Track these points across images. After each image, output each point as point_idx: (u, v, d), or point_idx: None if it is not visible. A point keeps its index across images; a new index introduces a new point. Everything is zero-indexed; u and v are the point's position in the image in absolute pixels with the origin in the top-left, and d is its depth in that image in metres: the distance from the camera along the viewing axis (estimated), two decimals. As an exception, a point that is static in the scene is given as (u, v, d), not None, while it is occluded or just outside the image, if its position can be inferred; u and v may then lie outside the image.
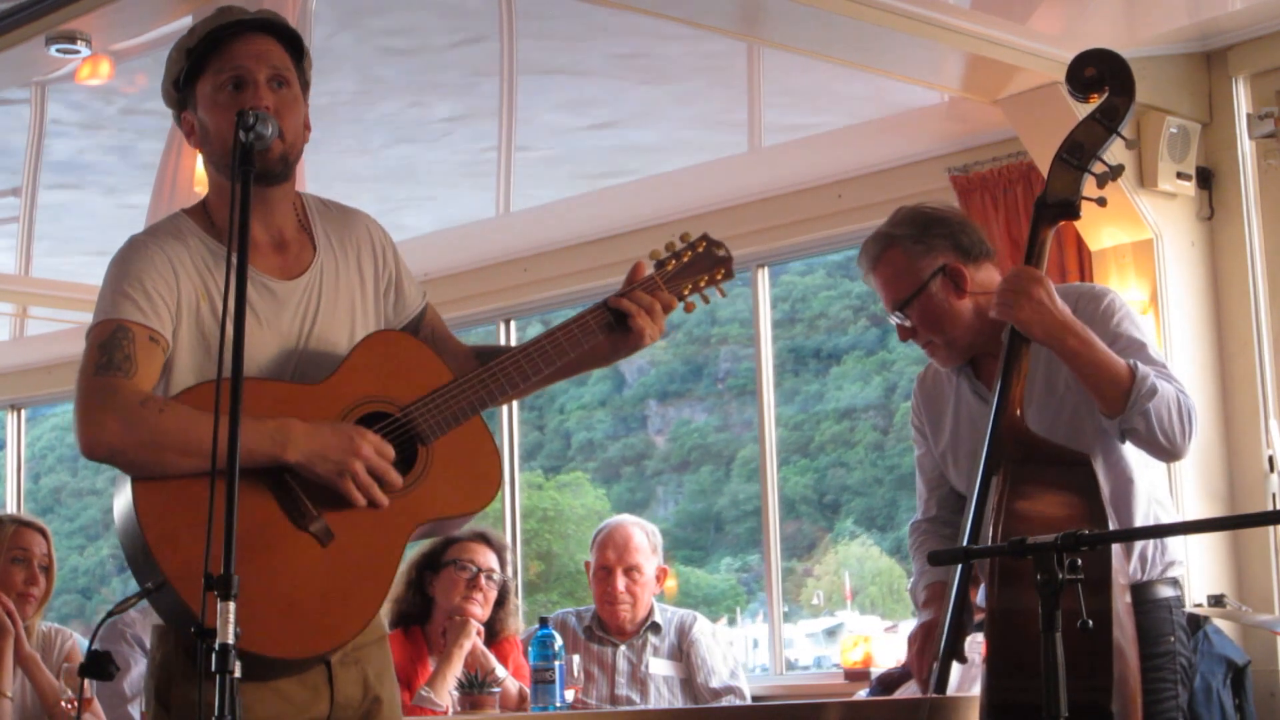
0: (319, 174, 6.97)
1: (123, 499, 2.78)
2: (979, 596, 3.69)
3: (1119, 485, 3.53)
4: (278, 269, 2.97)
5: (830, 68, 5.99)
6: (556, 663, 4.73)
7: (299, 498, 2.81)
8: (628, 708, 5.45)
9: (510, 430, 8.47)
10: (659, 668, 5.63)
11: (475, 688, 4.87)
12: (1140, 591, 3.52)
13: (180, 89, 2.99)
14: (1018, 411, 3.46)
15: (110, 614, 2.86)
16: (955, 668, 3.54)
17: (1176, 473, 5.69)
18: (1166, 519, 3.67)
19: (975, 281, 3.65)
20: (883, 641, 6.94)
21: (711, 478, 14.55)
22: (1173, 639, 3.57)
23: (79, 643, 5.46)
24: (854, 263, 3.83)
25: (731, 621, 13.45)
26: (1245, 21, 5.99)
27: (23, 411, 10.50)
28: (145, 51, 5.76)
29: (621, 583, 5.66)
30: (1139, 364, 3.43)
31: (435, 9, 5.87)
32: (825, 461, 13.91)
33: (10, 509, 10.12)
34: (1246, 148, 6.09)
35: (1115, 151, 3.68)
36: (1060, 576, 2.57)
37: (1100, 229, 6.05)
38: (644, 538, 5.76)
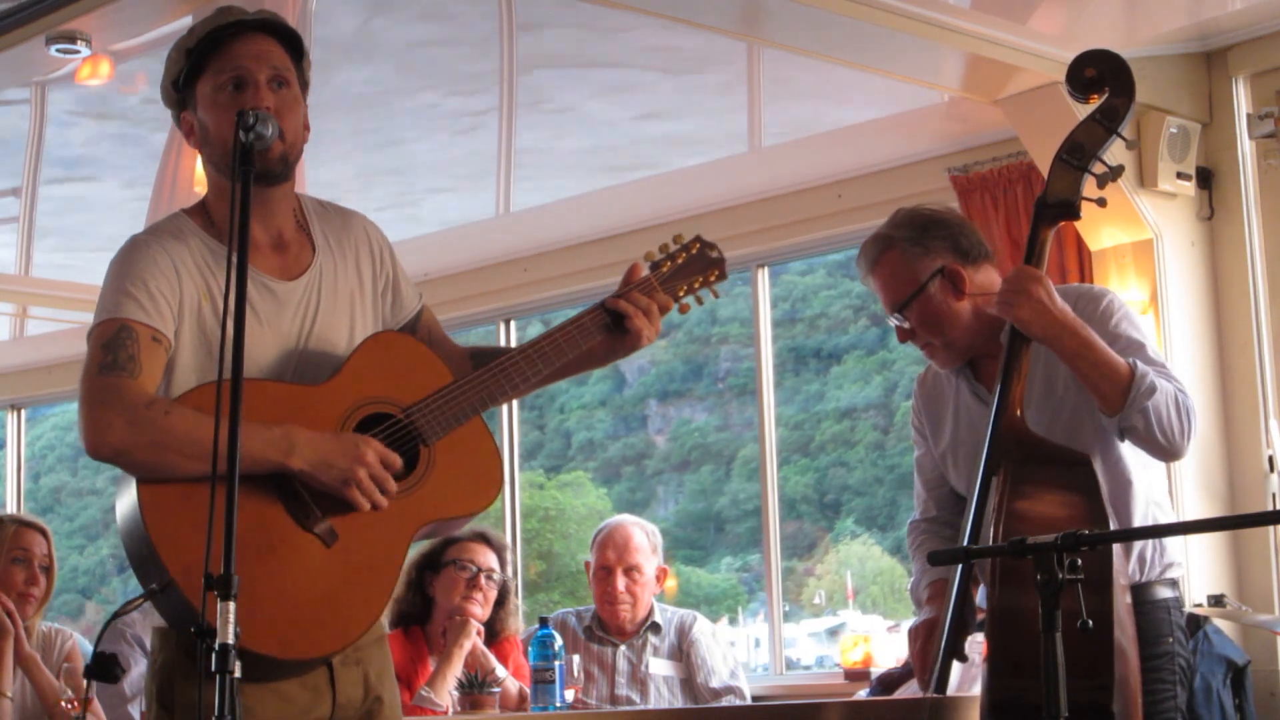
0: (318, 174, 6.99)
1: (127, 500, 2.78)
2: (979, 596, 3.69)
3: (1117, 486, 3.54)
4: (278, 269, 2.97)
5: (830, 68, 5.99)
6: (556, 663, 4.73)
7: (304, 499, 2.82)
8: (628, 708, 5.45)
9: (510, 430, 8.47)
10: (659, 668, 5.63)
11: (475, 688, 4.87)
12: (1139, 592, 3.53)
13: (180, 89, 2.99)
14: (1018, 412, 3.47)
15: (116, 615, 2.86)
16: (956, 667, 3.54)
17: (1176, 473, 5.69)
18: (1165, 520, 3.67)
19: (974, 283, 3.66)
20: (883, 641, 6.94)
21: (712, 477, 14.55)
22: (1171, 640, 3.57)
23: (79, 643, 5.46)
24: (854, 263, 3.83)
25: (733, 621, 13.46)
26: (1245, 21, 5.99)
27: (23, 411, 10.50)
28: (145, 51, 5.76)
29: (621, 583, 5.66)
30: (1138, 362, 3.43)
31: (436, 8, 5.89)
32: (826, 461, 13.91)
33: (10, 509, 10.12)
34: (1246, 148, 6.09)
35: (1115, 152, 3.68)
36: (1060, 576, 2.57)
37: (1100, 229, 6.05)
38: (644, 538, 5.76)
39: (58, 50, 5.45)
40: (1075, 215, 3.57)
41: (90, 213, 7.74)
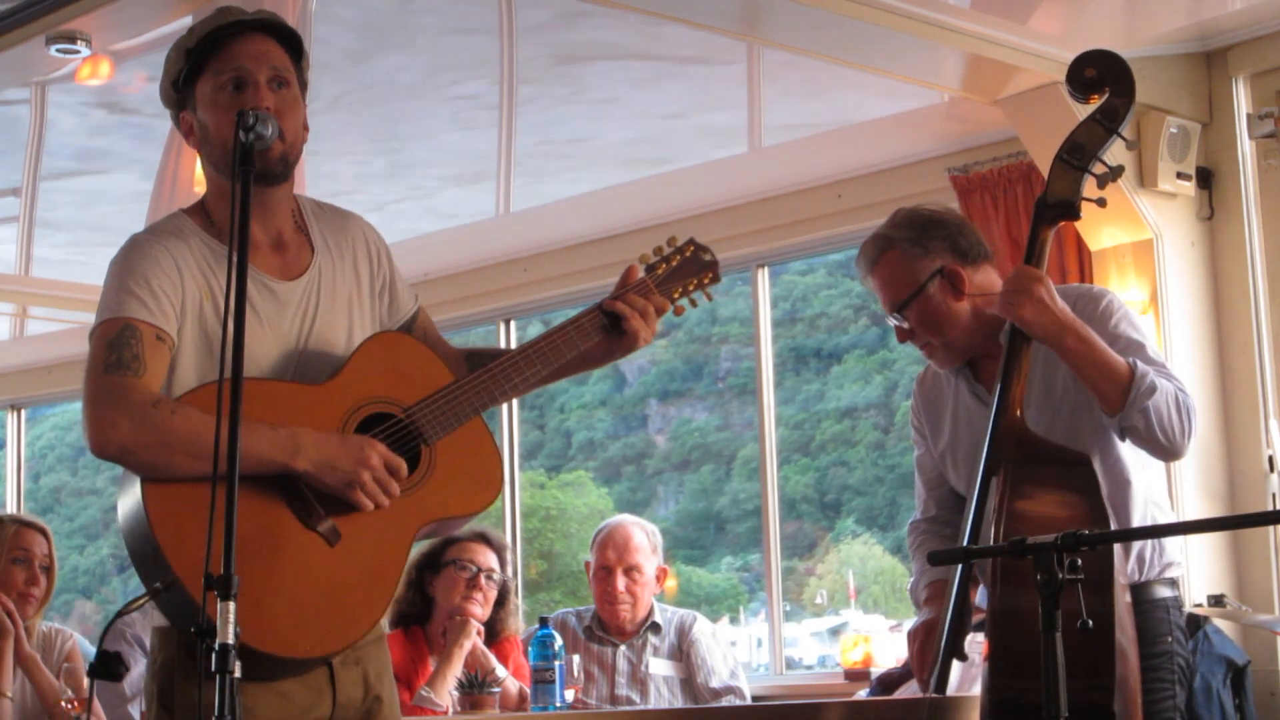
0: (318, 174, 6.99)
1: (130, 499, 2.78)
2: (979, 596, 3.69)
3: (1116, 486, 3.54)
4: (277, 269, 2.98)
5: (830, 68, 5.99)
6: (556, 663, 4.73)
7: (308, 499, 2.82)
8: (628, 708, 5.45)
9: (510, 430, 8.47)
10: (659, 668, 5.63)
11: (475, 688, 4.87)
12: (1138, 592, 3.53)
13: (179, 89, 2.99)
14: (1018, 412, 3.47)
15: (120, 613, 2.86)
16: (955, 666, 3.54)
17: (1176, 473, 5.69)
18: (1164, 520, 3.68)
19: (973, 284, 3.66)
20: (883, 641, 6.94)
21: (712, 477, 14.55)
22: (1170, 639, 3.58)
23: (79, 643, 5.46)
24: (854, 263, 3.83)
25: (734, 620, 13.46)
26: (1245, 21, 5.98)
27: (23, 411, 10.50)
28: (145, 51, 5.75)
29: (621, 583, 5.66)
30: (1138, 362, 3.44)
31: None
32: (826, 461, 13.91)
33: (10, 508, 10.12)
34: (1246, 148, 6.09)
35: (1115, 152, 3.68)
36: (1060, 576, 2.57)
37: (1100, 229, 6.05)
38: (644, 538, 5.76)
39: (58, 50, 5.45)
40: (1075, 215, 3.57)
41: (104, 206, 7.70)
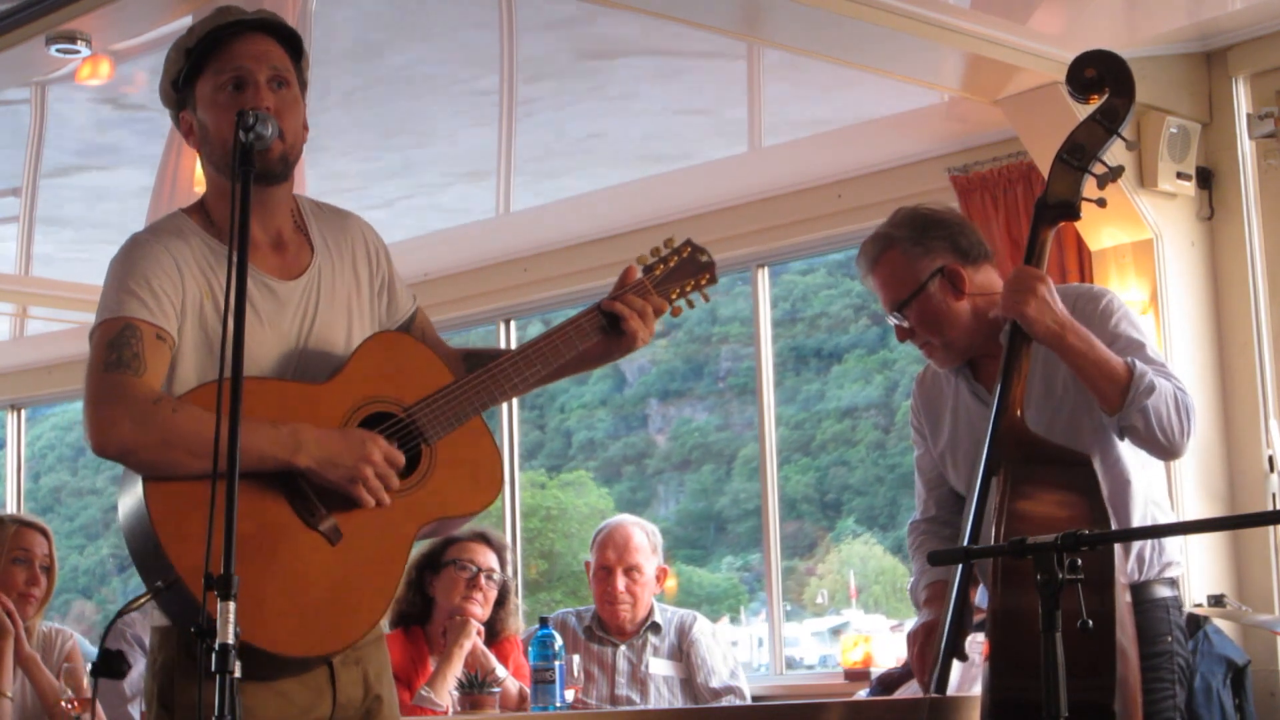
0: (318, 173, 6.99)
1: (132, 498, 2.79)
2: (979, 596, 3.70)
3: (1116, 486, 3.54)
4: (277, 269, 2.98)
5: (830, 68, 5.99)
6: (556, 663, 4.73)
7: (309, 497, 2.83)
8: (628, 708, 5.45)
9: (510, 429, 8.47)
10: (659, 668, 5.63)
11: (475, 688, 4.87)
12: (1138, 592, 3.53)
13: (179, 89, 2.99)
14: (1018, 412, 3.47)
15: (122, 612, 2.86)
16: (956, 667, 3.54)
17: (1176, 472, 5.69)
18: (1164, 520, 3.68)
19: (974, 283, 3.66)
20: (884, 641, 6.94)
21: (713, 477, 14.55)
22: (1170, 639, 3.58)
23: (79, 643, 5.46)
24: (854, 262, 3.83)
25: (735, 620, 13.46)
26: (1245, 21, 5.98)
27: (23, 411, 10.50)
28: (145, 51, 5.75)
29: (621, 583, 5.66)
30: (1136, 362, 3.44)
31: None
32: (827, 460, 13.91)
33: (10, 508, 10.12)
34: (1246, 148, 6.09)
35: (1115, 152, 3.69)
36: (1060, 576, 2.57)
37: (1100, 229, 6.05)
38: (644, 537, 5.76)
39: (58, 50, 5.45)
40: (1075, 216, 3.57)
41: (111, 202, 7.68)
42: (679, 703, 5.56)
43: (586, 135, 7.12)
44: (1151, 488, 3.64)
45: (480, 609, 5.32)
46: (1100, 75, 3.59)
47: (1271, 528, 5.85)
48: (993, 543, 3.32)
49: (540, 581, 14.15)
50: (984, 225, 6.26)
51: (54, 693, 5.01)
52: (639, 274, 3.22)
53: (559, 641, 4.78)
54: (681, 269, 3.27)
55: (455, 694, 4.97)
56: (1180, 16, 5.97)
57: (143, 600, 2.78)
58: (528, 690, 4.92)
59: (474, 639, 5.18)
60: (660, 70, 6.47)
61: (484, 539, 5.44)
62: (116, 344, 2.79)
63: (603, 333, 3.15)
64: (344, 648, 2.87)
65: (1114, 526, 3.38)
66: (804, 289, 14.13)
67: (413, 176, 7.56)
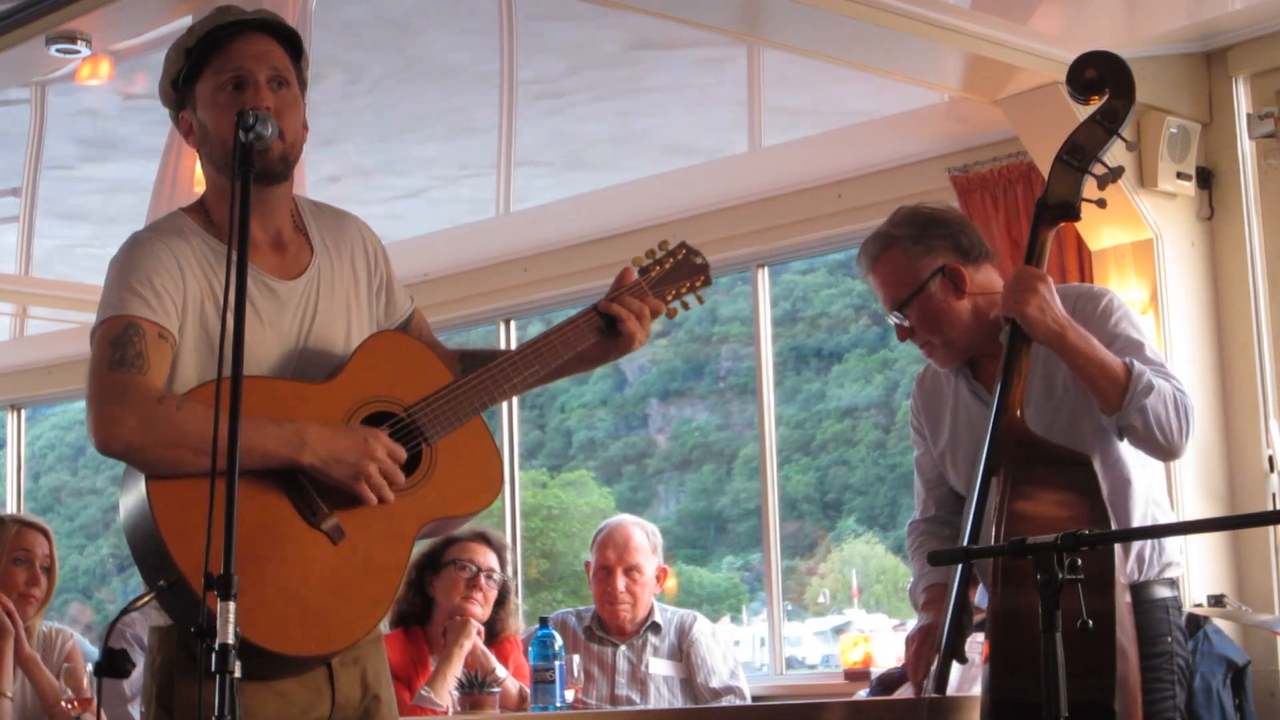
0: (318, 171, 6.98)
1: (134, 497, 2.78)
2: (978, 597, 3.69)
3: (1116, 486, 3.54)
4: (277, 269, 2.98)
5: (830, 68, 5.99)
6: (556, 663, 4.73)
7: (311, 496, 2.83)
8: (628, 708, 5.44)
9: (510, 429, 8.47)
10: (659, 668, 5.63)
11: (475, 688, 4.87)
12: (1138, 592, 3.53)
13: (179, 89, 2.99)
14: (1018, 412, 3.47)
15: (125, 611, 2.86)
16: (955, 668, 3.54)
17: (1176, 473, 5.69)
18: (1164, 520, 3.68)
19: (974, 282, 3.66)
20: (884, 641, 6.94)
21: (713, 476, 14.56)
22: (1170, 639, 3.58)
23: (80, 643, 5.46)
24: (855, 261, 3.83)
25: (736, 619, 13.47)
26: (1245, 21, 5.98)
27: (23, 411, 10.50)
28: (145, 51, 5.75)
29: (621, 583, 5.66)
30: (1135, 362, 3.44)
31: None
32: (827, 460, 13.92)
33: (10, 508, 10.12)
34: (1246, 148, 6.09)
35: (1116, 153, 3.69)
36: (1060, 576, 2.57)
37: (1100, 229, 6.05)
38: (644, 537, 5.76)
39: (58, 50, 5.45)
40: (1075, 216, 3.57)
41: (123, 195, 7.66)
42: (679, 703, 5.56)
43: (586, 135, 7.12)
44: (1152, 488, 3.64)
45: (480, 609, 5.32)
46: (1100, 76, 3.60)
47: (1271, 528, 5.85)
48: (993, 543, 3.32)
49: (541, 581, 14.16)
50: (984, 225, 6.26)
51: (54, 693, 5.01)
52: (635, 276, 3.23)
53: (559, 641, 4.78)
54: (677, 271, 3.28)
55: (455, 694, 4.97)
56: (1180, 16, 5.97)
57: (145, 600, 2.78)
58: (528, 690, 4.92)
59: (474, 639, 5.18)
60: (661, 71, 6.48)
61: (484, 539, 5.44)
62: (120, 342, 2.80)
63: (600, 334, 3.16)
64: (346, 647, 2.87)
65: (1114, 526, 3.38)
66: (804, 288, 14.14)
67: (413, 174, 7.56)
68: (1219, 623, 5.54)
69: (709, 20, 5.54)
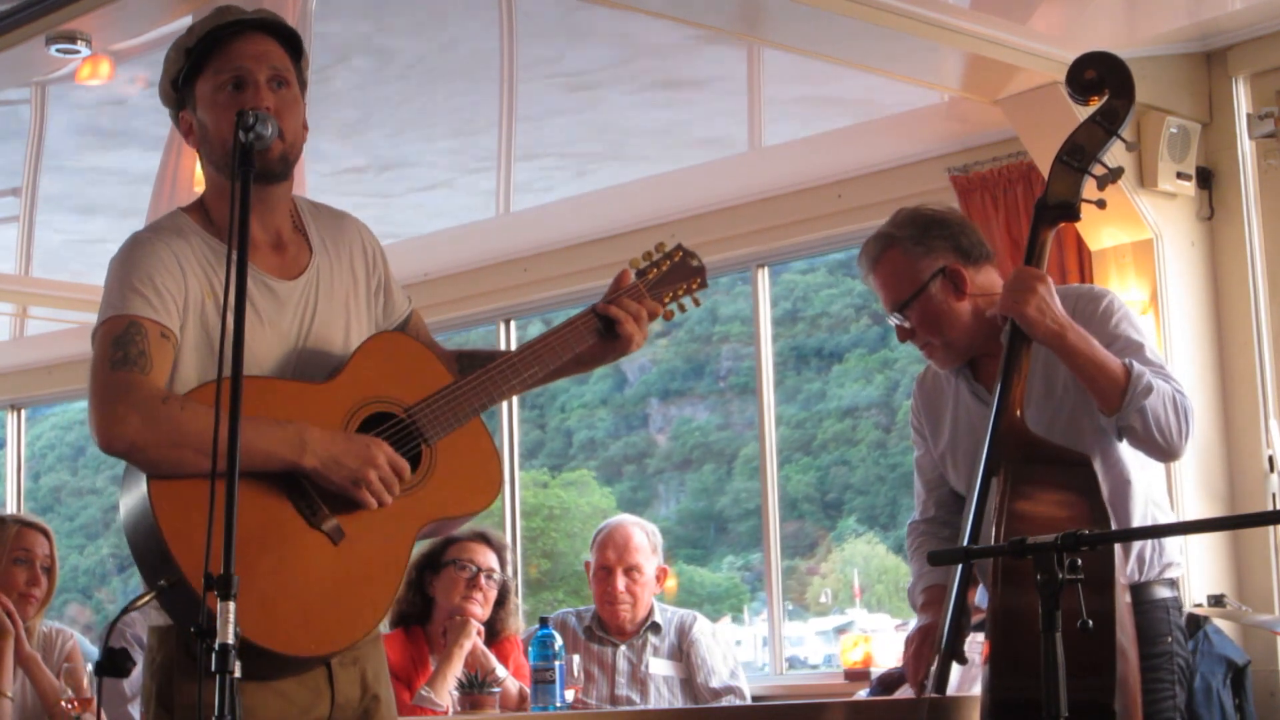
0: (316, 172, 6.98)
1: (135, 496, 2.79)
2: (978, 597, 3.70)
3: (1116, 486, 3.54)
4: (277, 269, 2.98)
5: (830, 67, 5.99)
6: (556, 663, 4.73)
7: (311, 496, 2.83)
8: (628, 708, 5.45)
9: (510, 429, 8.47)
10: (659, 668, 5.63)
11: (475, 688, 4.87)
12: (1138, 592, 3.53)
13: (179, 88, 3.00)
14: (1018, 412, 3.47)
15: (125, 610, 2.86)
16: (955, 668, 3.54)
17: (1176, 473, 5.69)
18: (1164, 520, 3.68)
19: (975, 284, 3.66)
20: (884, 641, 6.94)
21: (714, 476, 14.56)
22: (1170, 639, 3.58)
23: (80, 643, 5.46)
24: (855, 261, 3.84)
25: (738, 619, 13.47)
26: (1245, 21, 5.98)
27: (23, 411, 10.50)
28: (145, 51, 5.75)
29: (621, 583, 5.66)
30: (1134, 363, 3.44)
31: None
32: (828, 460, 13.92)
33: (10, 508, 10.12)
34: (1246, 148, 6.09)
35: (1115, 153, 3.69)
36: (1060, 576, 2.57)
37: (1100, 229, 6.05)
38: (644, 538, 5.76)
39: (58, 50, 5.45)
40: (1075, 217, 3.58)
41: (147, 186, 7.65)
42: (679, 703, 5.57)
43: (588, 135, 7.12)
44: (1152, 488, 3.64)
45: (480, 609, 5.33)
46: (1100, 77, 3.60)
47: (1271, 528, 5.85)
48: (993, 543, 3.32)
49: (543, 581, 14.16)
50: (984, 225, 6.26)
51: (54, 693, 5.01)
52: (633, 278, 3.24)
53: (559, 641, 4.78)
54: (673, 273, 3.30)
55: (455, 694, 4.97)
56: (1180, 16, 5.97)
57: (146, 599, 2.78)
58: (528, 690, 4.92)
59: (474, 639, 5.18)
60: (661, 69, 6.47)
61: (484, 539, 5.44)
62: (122, 341, 2.80)
63: (599, 335, 3.17)
64: (346, 647, 2.88)
65: (1114, 526, 3.38)
66: (805, 288, 14.14)
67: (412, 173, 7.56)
68: (1219, 623, 5.54)
69: (709, 20, 5.54)
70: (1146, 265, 6.00)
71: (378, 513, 2.87)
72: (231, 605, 2.37)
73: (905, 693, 5.28)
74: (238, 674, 2.37)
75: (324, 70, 6.15)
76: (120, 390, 2.76)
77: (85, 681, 4.82)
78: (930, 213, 3.75)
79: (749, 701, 5.70)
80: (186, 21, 4.74)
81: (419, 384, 2.99)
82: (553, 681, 4.72)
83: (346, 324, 3.04)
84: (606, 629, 5.71)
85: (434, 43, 6.18)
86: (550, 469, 15.10)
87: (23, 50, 5.52)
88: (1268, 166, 6.03)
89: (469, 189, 7.76)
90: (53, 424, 16.25)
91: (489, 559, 5.40)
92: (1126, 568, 3.52)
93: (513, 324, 8.55)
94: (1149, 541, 3.60)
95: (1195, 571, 5.81)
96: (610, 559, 5.69)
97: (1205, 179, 6.14)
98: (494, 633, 5.40)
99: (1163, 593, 3.61)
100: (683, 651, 5.67)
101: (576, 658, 5.14)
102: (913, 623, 3.87)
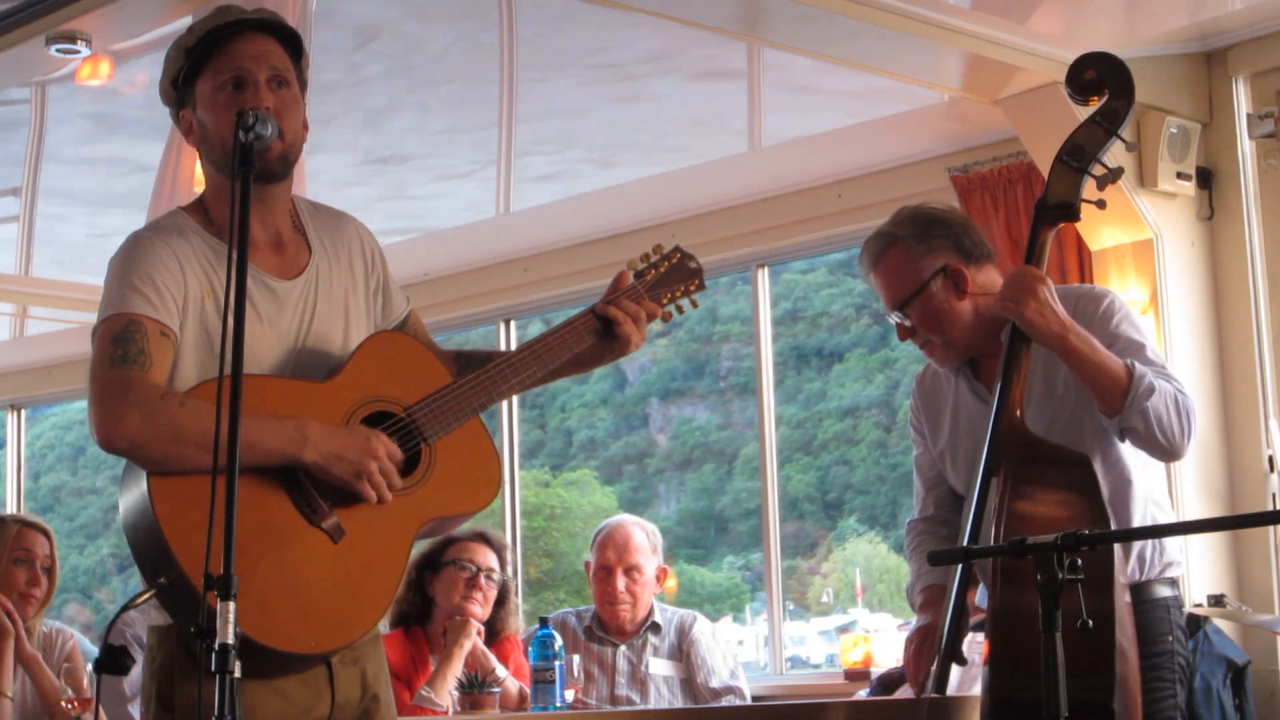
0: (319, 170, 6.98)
1: (135, 494, 2.79)
2: (978, 597, 3.70)
3: (1117, 486, 3.54)
4: (276, 269, 2.99)
5: (830, 67, 5.99)
6: (556, 663, 4.73)
7: (311, 494, 2.83)
8: (628, 708, 5.45)
9: (510, 429, 8.47)
10: (659, 668, 5.63)
11: (475, 688, 4.87)
12: (1138, 592, 3.53)
13: (179, 88, 3.00)
14: (1018, 412, 3.47)
15: (125, 608, 2.86)
16: (955, 669, 3.54)
17: (1176, 473, 5.69)
18: (1164, 520, 3.68)
19: (976, 283, 3.66)
20: (885, 641, 6.94)
21: (714, 476, 14.55)
22: (1171, 639, 3.58)
23: (80, 642, 5.46)
24: (856, 261, 3.84)
25: (740, 619, 13.47)
26: (1245, 21, 5.98)
27: (23, 411, 10.50)
28: (145, 51, 5.75)
29: (621, 583, 5.66)
30: (1136, 364, 3.44)
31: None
32: (828, 460, 13.92)
33: (10, 508, 10.12)
34: (1246, 148, 6.09)
35: (1115, 154, 3.69)
36: (1060, 576, 2.57)
37: (1100, 229, 6.05)
38: (644, 537, 5.76)
39: (58, 50, 5.45)
40: (1075, 217, 3.58)
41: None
42: (679, 703, 5.57)
43: (589, 134, 7.11)
44: (1152, 488, 3.64)
45: (480, 609, 5.33)
46: (1100, 77, 3.60)
47: (1271, 528, 5.85)
48: (993, 543, 3.32)
49: (544, 580, 14.16)
50: (984, 225, 6.26)
51: (55, 692, 5.01)
52: (631, 279, 3.25)
53: (559, 641, 4.78)
54: (671, 275, 3.31)
55: (455, 694, 4.97)
56: (1180, 16, 5.97)
57: (145, 597, 2.78)
58: (528, 690, 4.92)
59: (474, 639, 5.18)
60: (661, 70, 6.47)
61: (484, 539, 5.45)
62: (122, 339, 2.80)
63: (597, 336, 3.18)
64: (346, 644, 2.88)
65: (1114, 526, 3.38)
66: (805, 288, 14.14)
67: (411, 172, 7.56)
68: (1219, 623, 5.54)
69: (709, 20, 5.54)
70: (1146, 265, 6.00)
71: (377, 511, 2.87)
72: (231, 605, 2.38)
73: (905, 693, 5.28)
74: (238, 674, 2.37)
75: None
76: (120, 387, 2.76)
77: (85, 681, 4.82)
78: (932, 211, 3.75)
79: (749, 701, 5.70)
80: (186, 21, 4.74)
81: (418, 383, 3.00)
82: (553, 681, 4.72)
83: (346, 324, 3.04)
84: (606, 629, 5.71)
85: (434, 41, 6.18)
86: (551, 469, 15.10)
87: (23, 50, 5.52)
88: (1268, 166, 6.03)
89: (468, 189, 7.75)
90: (53, 424, 16.24)
91: (489, 559, 5.40)
92: (1127, 567, 3.53)
93: (513, 324, 8.55)
94: (1150, 541, 3.60)
95: (1195, 571, 5.82)
96: (610, 559, 5.69)
97: (1205, 179, 6.14)
98: (494, 633, 5.40)
99: (1163, 592, 3.61)
100: (683, 651, 5.67)
101: (576, 658, 5.14)
102: (913, 623, 3.87)
